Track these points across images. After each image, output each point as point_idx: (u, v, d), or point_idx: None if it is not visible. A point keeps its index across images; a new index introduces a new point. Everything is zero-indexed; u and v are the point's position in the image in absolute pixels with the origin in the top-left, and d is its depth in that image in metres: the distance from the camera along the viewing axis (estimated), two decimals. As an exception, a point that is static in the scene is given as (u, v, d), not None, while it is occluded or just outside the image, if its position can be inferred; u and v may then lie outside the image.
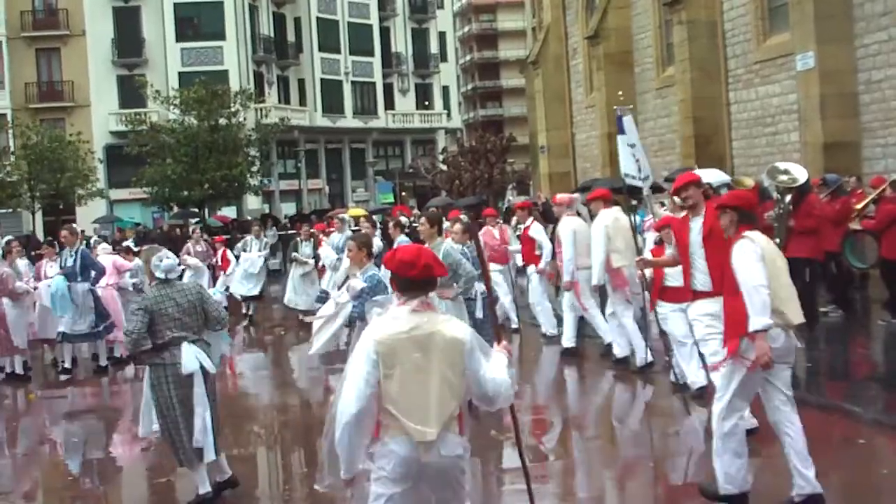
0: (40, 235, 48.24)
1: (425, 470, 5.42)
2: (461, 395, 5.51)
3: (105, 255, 19.32)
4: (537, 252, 17.84)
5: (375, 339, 5.42)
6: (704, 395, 10.98)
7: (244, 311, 24.02)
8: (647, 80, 35.33)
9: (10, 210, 52.13)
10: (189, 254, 22.75)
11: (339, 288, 11.14)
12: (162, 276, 9.22)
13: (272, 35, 68.24)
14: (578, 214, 16.49)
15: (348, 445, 5.44)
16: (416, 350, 5.40)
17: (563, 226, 15.90)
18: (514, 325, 19.01)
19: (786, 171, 14.22)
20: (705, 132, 30.07)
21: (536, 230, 18.23)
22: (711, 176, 12.81)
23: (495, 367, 5.58)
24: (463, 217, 14.47)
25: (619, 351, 14.70)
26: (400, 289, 5.57)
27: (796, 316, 7.58)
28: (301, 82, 71.51)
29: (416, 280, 5.52)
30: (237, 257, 24.11)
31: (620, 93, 20.28)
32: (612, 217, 14.66)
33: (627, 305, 14.54)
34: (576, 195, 18.15)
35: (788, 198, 13.86)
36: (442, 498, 5.55)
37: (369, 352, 5.41)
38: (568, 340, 16.06)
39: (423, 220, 9.33)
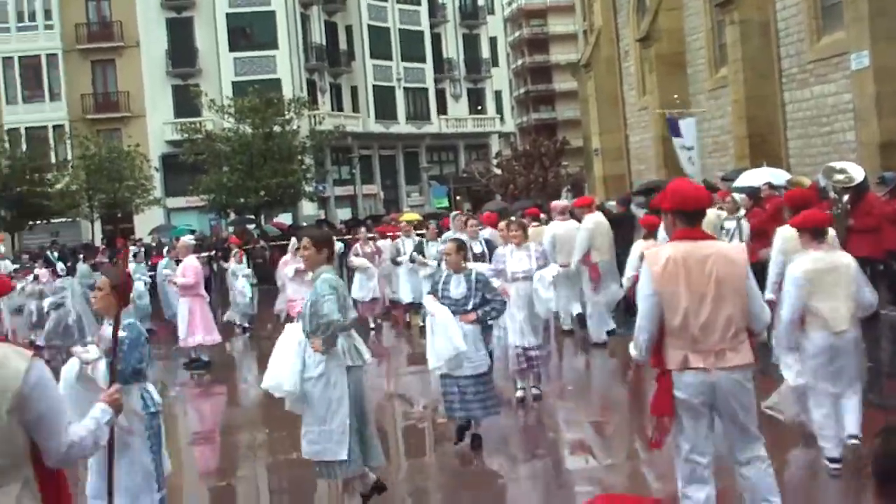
0: (99, 244, 48.83)
1: None
2: None
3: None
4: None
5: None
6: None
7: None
8: (700, 82, 35.14)
9: (70, 219, 52.79)
10: (357, 255, 23.26)
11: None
12: None
13: (324, 43, 68.51)
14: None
15: None
16: None
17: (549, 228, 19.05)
18: (566, 328, 19.10)
19: (842, 171, 14.14)
20: (760, 132, 29.85)
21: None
22: (774, 175, 12.98)
23: None
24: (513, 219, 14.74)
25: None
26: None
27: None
28: (354, 89, 71.77)
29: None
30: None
31: (676, 96, 20.35)
32: (594, 220, 17.99)
33: (596, 294, 17.74)
34: (564, 202, 20.28)
35: (846, 197, 13.77)
36: None
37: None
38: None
39: (305, 241, 9.00)
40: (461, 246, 11.38)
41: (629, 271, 15.07)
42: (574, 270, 17.79)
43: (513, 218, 15.29)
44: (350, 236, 38.05)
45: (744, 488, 6.93)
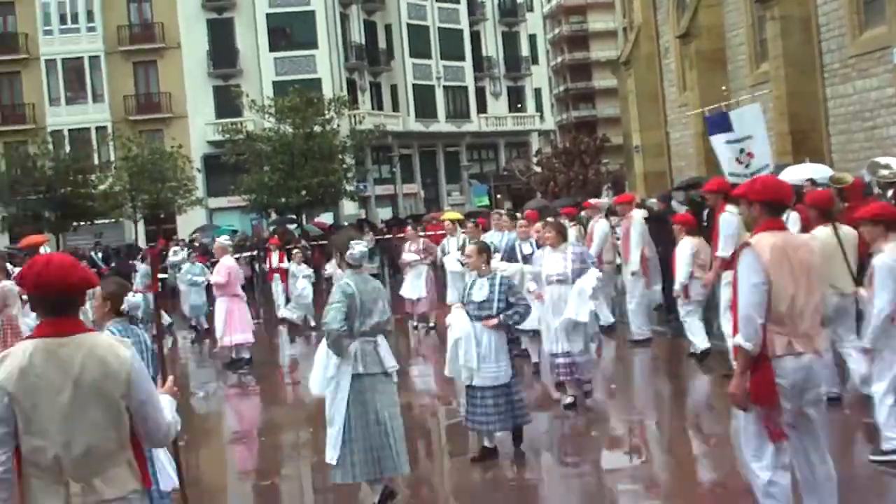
0: (142, 244, 49.19)
1: None
2: None
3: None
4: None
5: None
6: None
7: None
8: (741, 78, 34.93)
9: (113, 220, 53.17)
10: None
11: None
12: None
13: (363, 42, 68.66)
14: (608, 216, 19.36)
15: None
16: None
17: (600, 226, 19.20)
18: (605, 322, 18.99)
19: (886, 166, 14.06)
20: (802, 128, 29.66)
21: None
22: (816, 172, 12.92)
23: None
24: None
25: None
26: None
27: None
28: (393, 88, 71.88)
29: None
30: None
31: (724, 88, 20.13)
32: (640, 216, 17.84)
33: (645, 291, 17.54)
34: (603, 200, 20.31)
35: (890, 192, 13.69)
36: None
37: None
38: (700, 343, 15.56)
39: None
40: (483, 248, 11.10)
41: (684, 270, 14.94)
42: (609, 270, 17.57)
43: (549, 218, 14.87)
44: (391, 236, 38.25)
45: (805, 488, 6.96)
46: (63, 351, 4.66)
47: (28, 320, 20.01)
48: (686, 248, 14.96)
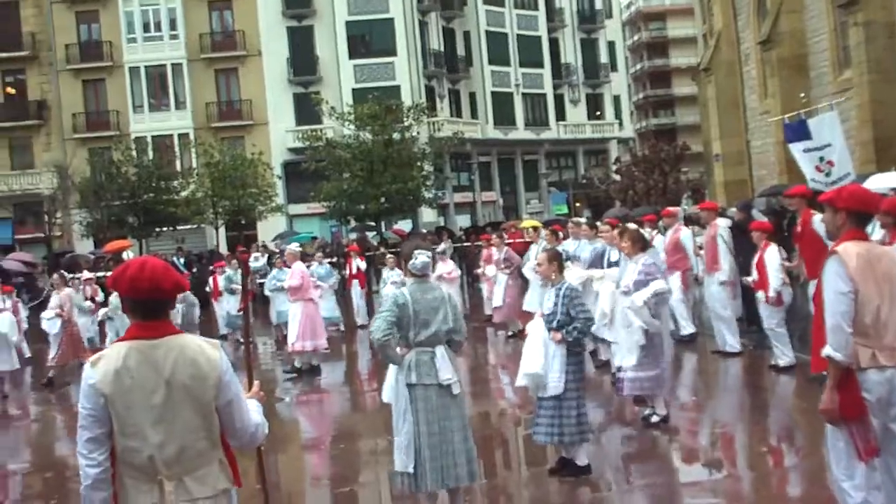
0: (223, 250, 49.67)
1: None
2: None
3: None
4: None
5: None
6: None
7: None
8: (824, 85, 34.54)
9: (195, 226, 53.78)
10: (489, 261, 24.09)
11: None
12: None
13: (442, 49, 68.88)
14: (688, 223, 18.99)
15: None
16: None
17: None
18: (684, 332, 18.85)
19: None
20: (886, 136, 29.25)
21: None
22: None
23: None
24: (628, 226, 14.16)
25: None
26: None
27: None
28: (472, 95, 72.01)
29: None
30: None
31: (803, 95, 19.94)
32: (724, 224, 17.45)
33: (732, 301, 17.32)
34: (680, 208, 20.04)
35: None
36: None
37: None
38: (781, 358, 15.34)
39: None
40: (553, 256, 10.74)
41: (777, 277, 14.77)
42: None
43: (629, 225, 14.61)
44: (469, 243, 38.25)
45: None
46: (156, 352, 4.80)
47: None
48: (775, 254, 14.78)
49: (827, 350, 6.53)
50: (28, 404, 20.38)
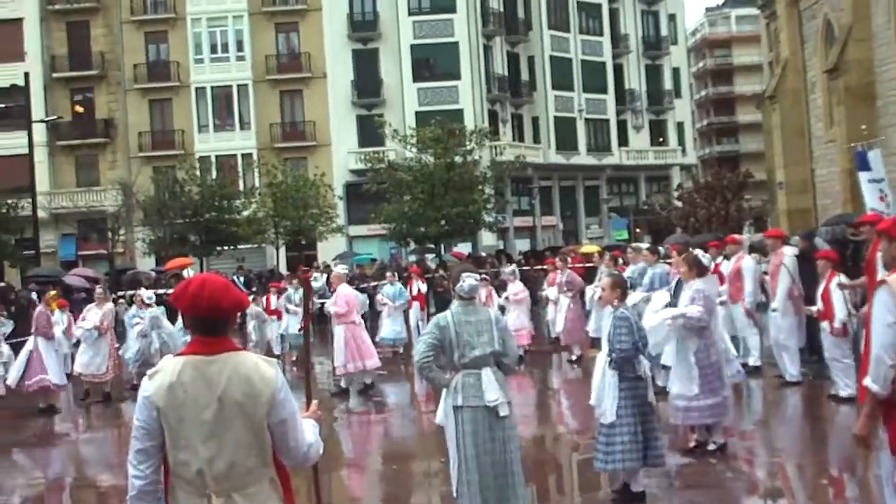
0: (283, 270, 49.91)
1: None
2: None
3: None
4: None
5: None
6: None
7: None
8: (891, 114, 34.11)
9: (256, 245, 54.09)
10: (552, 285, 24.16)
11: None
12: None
13: (506, 73, 68.93)
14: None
15: None
16: None
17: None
18: (750, 363, 18.61)
19: None
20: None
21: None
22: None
23: None
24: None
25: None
26: None
27: None
28: (535, 120, 71.98)
29: None
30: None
31: (864, 127, 19.77)
32: (791, 253, 17.29)
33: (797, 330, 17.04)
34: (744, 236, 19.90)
35: None
36: None
37: None
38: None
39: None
40: (617, 282, 10.63)
41: (843, 307, 14.55)
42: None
43: (690, 250, 14.46)
44: (528, 267, 38.13)
45: None
46: (211, 368, 4.83)
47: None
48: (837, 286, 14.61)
49: (866, 381, 6.44)
50: (79, 419, 20.53)
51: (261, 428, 4.87)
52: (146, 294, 23.17)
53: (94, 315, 21.23)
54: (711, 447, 12.14)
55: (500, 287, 25.93)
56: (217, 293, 4.87)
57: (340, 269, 22.78)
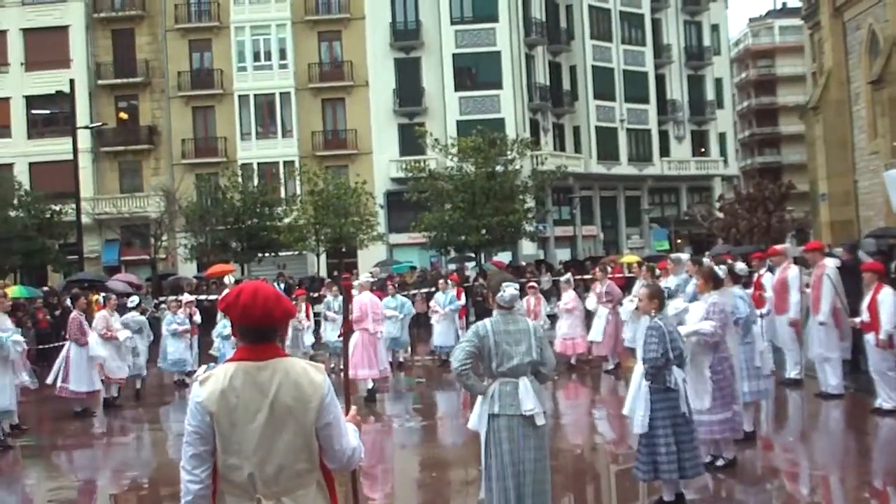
0: (324, 277, 50.02)
1: None
2: None
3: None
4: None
5: None
6: None
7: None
8: (936, 126, 33.92)
9: (297, 252, 54.23)
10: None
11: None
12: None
13: (548, 83, 68.91)
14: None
15: None
16: None
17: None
18: (789, 375, 18.50)
19: None
20: None
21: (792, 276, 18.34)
22: None
23: None
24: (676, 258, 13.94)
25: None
26: None
27: None
28: (576, 129, 71.89)
29: None
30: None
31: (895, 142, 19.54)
32: (833, 264, 17.07)
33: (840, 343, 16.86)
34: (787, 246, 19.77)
35: None
36: None
37: None
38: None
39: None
40: (655, 293, 10.60)
41: (891, 319, 14.45)
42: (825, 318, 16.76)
43: (704, 262, 14.36)
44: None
45: None
46: (261, 374, 4.93)
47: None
48: (889, 295, 14.49)
49: None
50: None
51: (310, 432, 4.96)
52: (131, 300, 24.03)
53: (101, 323, 21.54)
54: (720, 463, 12.06)
55: (547, 294, 26.00)
56: (270, 303, 4.98)
57: (363, 277, 22.92)
